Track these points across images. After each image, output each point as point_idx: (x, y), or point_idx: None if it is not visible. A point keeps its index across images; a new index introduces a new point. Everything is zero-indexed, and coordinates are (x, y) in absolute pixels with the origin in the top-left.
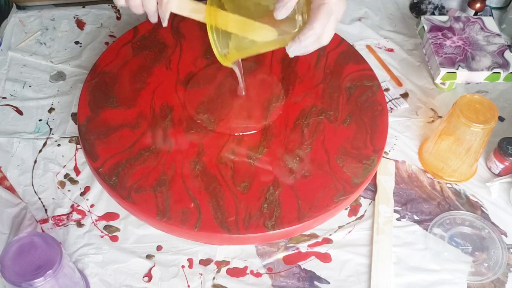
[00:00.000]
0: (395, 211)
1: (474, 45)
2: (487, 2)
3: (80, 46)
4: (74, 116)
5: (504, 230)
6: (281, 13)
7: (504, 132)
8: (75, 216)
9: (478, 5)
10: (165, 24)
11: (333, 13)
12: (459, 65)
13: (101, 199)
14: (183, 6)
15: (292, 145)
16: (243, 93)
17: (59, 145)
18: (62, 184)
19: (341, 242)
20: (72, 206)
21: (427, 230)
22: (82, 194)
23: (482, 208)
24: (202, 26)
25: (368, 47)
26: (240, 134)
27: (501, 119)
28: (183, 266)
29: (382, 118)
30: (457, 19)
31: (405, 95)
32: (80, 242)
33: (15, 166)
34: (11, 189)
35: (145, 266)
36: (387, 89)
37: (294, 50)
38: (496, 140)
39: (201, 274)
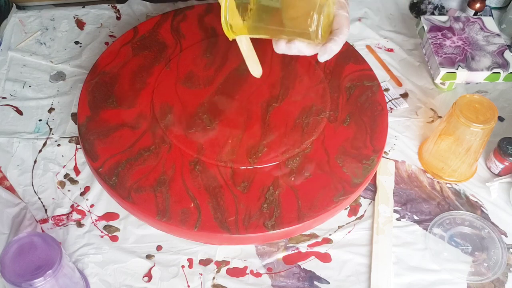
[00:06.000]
0: (395, 211)
1: (473, 45)
2: (487, 2)
3: (80, 46)
4: (74, 116)
5: (504, 230)
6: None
7: (504, 132)
8: (75, 216)
9: (478, 5)
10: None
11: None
12: (459, 65)
13: (101, 199)
14: None
15: (292, 145)
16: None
17: (59, 145)
18: (62, 184)
19: (341, 242)
20: (72, 206)
21: (427, 230)
22: (82, 194)
23: (482, 208)
24: (201, 26)
25: (368, 47)
26: (240, 133)
27: (501, 119)
28: (183, 266)
29: (382, 118)
30: (457, 19)
31: (405, 95)
32: (80, 242)
33: (15, 166)
34: (11, 189)
35: (145, 266)
36: (387, 89)
37: (325, 57)
38: (496, 140)
39: (201, 274)
